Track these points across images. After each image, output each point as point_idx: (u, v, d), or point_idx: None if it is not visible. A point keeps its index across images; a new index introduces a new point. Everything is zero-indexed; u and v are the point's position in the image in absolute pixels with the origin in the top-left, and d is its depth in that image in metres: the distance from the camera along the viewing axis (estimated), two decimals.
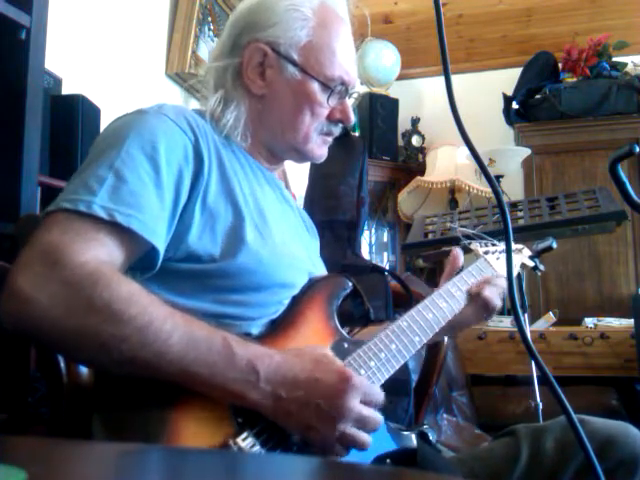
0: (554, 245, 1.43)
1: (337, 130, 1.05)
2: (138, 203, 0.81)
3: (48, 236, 0.76)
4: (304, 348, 0.81)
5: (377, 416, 0.79)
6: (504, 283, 1.13)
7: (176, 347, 0.72)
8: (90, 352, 0.73)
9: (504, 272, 1.19)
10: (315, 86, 0.98)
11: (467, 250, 1.27)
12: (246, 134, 1.00)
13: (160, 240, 0.83)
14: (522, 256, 1.36)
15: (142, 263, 0.84)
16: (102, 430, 0.75)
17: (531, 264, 1.38)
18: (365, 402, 0.77)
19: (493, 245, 1.25)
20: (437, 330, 1.00)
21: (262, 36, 0.98)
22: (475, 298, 1.09)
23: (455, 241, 1.33)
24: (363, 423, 0.77)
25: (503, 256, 1.22)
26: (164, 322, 0.73)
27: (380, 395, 0.80)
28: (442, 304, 1.04)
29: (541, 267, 1.40)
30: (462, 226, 1.88)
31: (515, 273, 1.31)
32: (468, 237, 1.29)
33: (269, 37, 0.98)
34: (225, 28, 1.04)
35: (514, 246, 1.34)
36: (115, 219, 0.78)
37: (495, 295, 1.10)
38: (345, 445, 0.76)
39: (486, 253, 1.22)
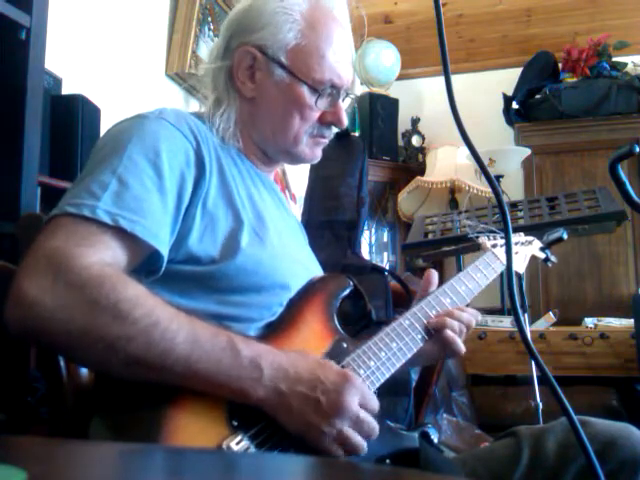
0: (565, 236, 1.39)
1: (329, 133, 1.04)
2: (142, 208, 0.81)
3: (52, 240, 0.77)
4: (303, 352, 0.83)
5: (373, 422, 0.79)
6: (468, 318, 1.01)
7: (181, 346, 0.73)
8: (97, 354, 0.73)
9: (513, 264, 1.16)
10: (303, 89, 0.98)
11: (474, 248, 1.26)
12: (237, 135, 1.00)
13: (163, 245, 0.83)
14: (532, 248, 1.32)
15: (146, 267, 0.84)
16: (102, 430, 0.75)
17: (542, 256, 1.34)
18: (362, 405, 0.78)
19: (502, 238, 1.21)
20: None
21: (251, 39, 0.98)
22: (435, 334, 0.98)
23: (461, 238, 1.31)
24: (359, 425, 0.77)
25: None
26: (170, 322, 0.74)
27: (376, 402, 0.81)
28: (446, 301, 1.02)
29: (552, 258, 1.35)
30: (463, 226, 1.88)
31: (525, 266, 1.29)
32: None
33: (258, 40, 0.98)
34: (220, 31, 1.05)
35: (524, 238, 1.32)
36: (119, 224, 0.78)
37: (456, 336, 0.98)
38: (341, 445, 0.76)
39: (494, 247, 1.19)
